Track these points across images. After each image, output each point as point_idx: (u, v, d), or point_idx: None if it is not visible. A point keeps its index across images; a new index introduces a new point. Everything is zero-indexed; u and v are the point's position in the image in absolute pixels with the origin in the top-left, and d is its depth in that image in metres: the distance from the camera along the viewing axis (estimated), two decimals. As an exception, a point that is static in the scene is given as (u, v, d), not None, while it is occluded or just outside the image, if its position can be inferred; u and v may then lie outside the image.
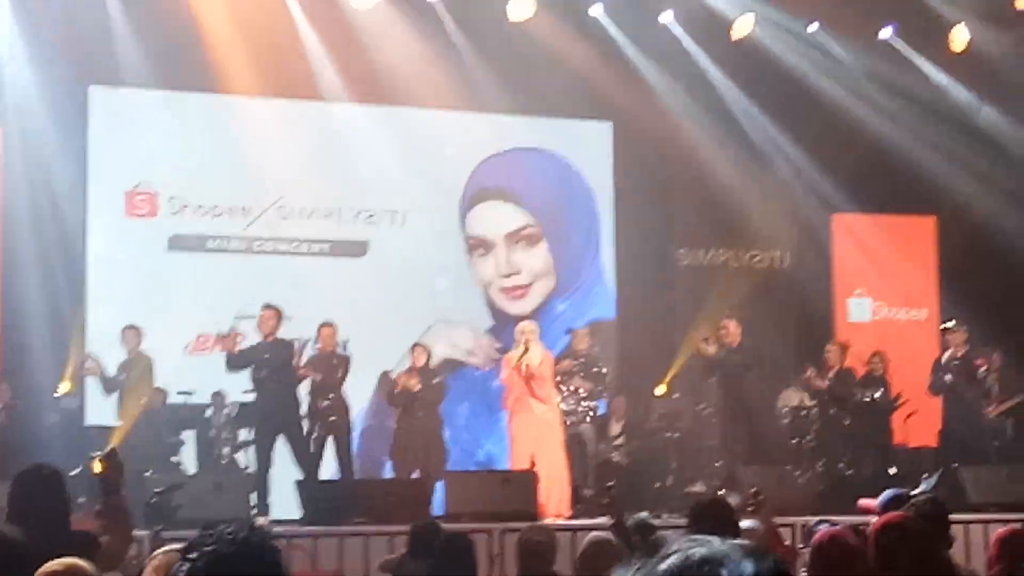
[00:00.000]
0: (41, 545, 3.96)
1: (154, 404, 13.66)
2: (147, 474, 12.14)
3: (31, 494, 5.83)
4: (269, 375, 13.15)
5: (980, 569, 8.30)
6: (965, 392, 14.92)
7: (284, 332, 13.48)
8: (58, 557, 4.39)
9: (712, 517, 6.32)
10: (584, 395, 14.49)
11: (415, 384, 13.88)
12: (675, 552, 1.92)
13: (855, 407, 14.65)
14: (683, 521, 8.48)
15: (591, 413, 14.66)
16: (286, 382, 13.19)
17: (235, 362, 13.36)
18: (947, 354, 15.09)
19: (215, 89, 15.60)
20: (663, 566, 1.91)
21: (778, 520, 11.07)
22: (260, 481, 12.88)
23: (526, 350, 13.35)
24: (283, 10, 15.53)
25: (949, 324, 15.38)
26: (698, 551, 1.91)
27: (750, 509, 9.22)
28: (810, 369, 14.85)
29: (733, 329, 14.72)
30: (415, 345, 14.48)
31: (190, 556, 2.60)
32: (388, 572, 9.20)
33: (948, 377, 14.90)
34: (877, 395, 14.63)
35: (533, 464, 12.90)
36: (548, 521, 11.73)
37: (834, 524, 7.39)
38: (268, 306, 13.43)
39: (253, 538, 2.66)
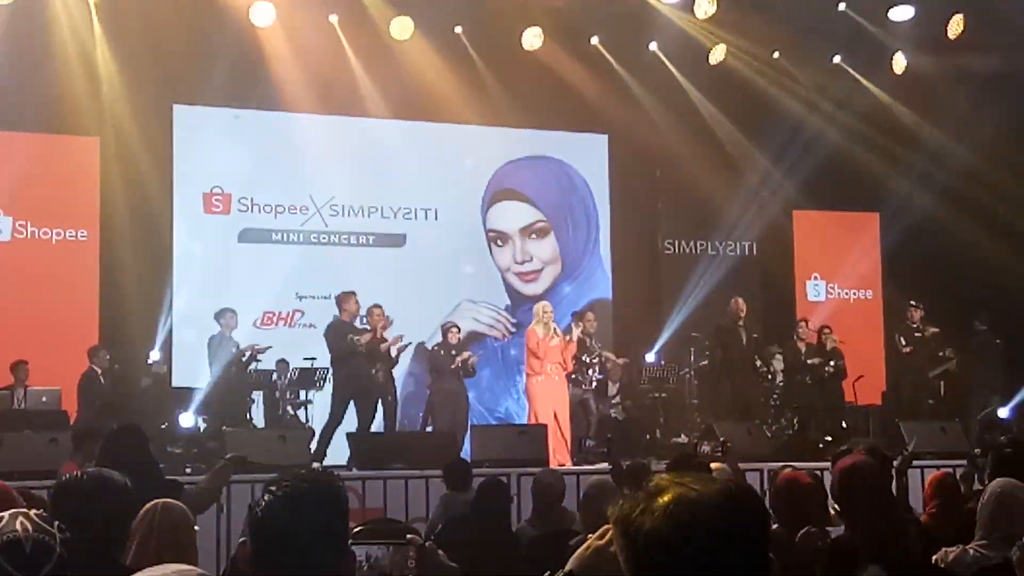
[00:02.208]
0: (134, 486, 3.99)
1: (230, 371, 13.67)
2: (224, 428, 12.19)
3: (117, 451, 5.84)
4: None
5: (918, 505, 8.35)
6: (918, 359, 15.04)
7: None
8: (146, 499, 4.44)
9: (687, 466, 6.41)
10: (587, 364, 14.54)
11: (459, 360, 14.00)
12: (671, 489, 1.93)
13: (813, 372, 14.70)
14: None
15: (594, 380, 14.70)
16: (368, 357, 13.18)
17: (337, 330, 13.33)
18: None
19: (276, 107, 15.59)
20: (661, 502, 1.92)
21: (747, 466, 11.17)
22: (323, 433, 12.92)
23: (556, 327, 13.44)
24: (334, 40, 15.50)
25: (913, 302, 15.47)
26: (689, 492, 1.92)
27: (719, 454, 9.34)
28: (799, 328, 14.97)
29: (742, 305, 14.74)
30: (451, 325, 14.49)
31: (272, 489, 2.64)
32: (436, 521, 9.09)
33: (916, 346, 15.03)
34: (833, 363, 14.65)
35: (556, 420, 12.91)
36: (557, 466, 11.80)
37: (796, 470, 7.45)
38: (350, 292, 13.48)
39: (323, 478, 2.72)
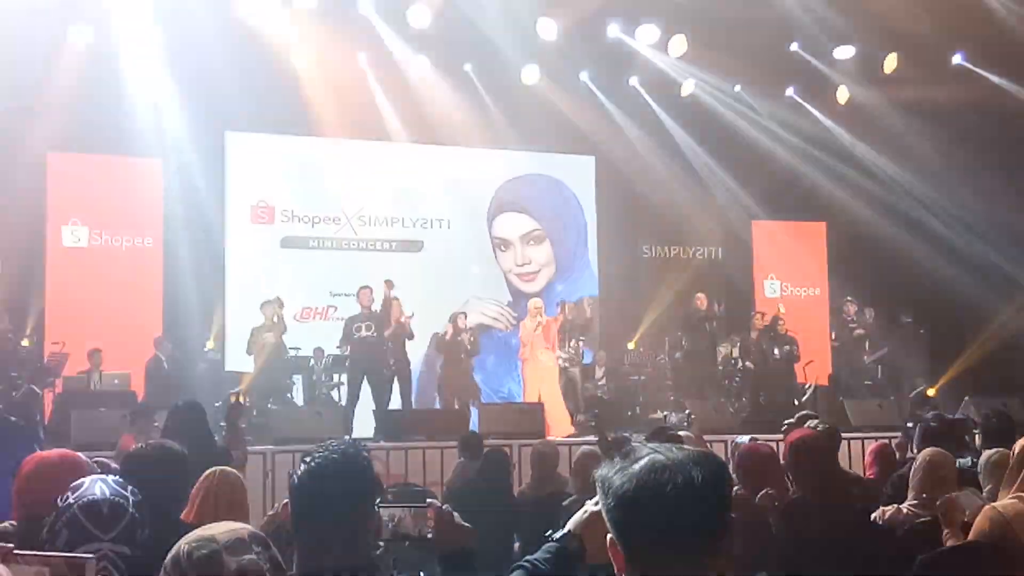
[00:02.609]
0: (192, 457, 4.00)
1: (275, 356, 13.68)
2: (269, 405, 12.20)
3: (181, 422, 5.85)
4: (366, 335, 13.15)
5: (859, 472, 8.35)
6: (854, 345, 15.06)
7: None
8: (207, 467, 4.45)
9: (661, 437, 6.40)
10: (573, 349, 14.54)
11: (466, 338, 14.00)
12: (646, 455, 1.92)
13: (769, 357, 14.68)
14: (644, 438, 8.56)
15: (579, 361, 14.72)
16: (375, 341, 13.19)
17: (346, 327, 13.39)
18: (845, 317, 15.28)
19: (312, 133, 15.57)
20: (636, 466, 1.90)
21: (713, 437, 11.17)
22: (347, 410, 12.96)
23: (541, 320, 13.46)
24: (362, 77, 15.52)
25: (848, 298, 15.48)
26: (660, 457, 1.91)
27: (685, 424, 9.38)
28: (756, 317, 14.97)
29: (704, 300, 14.70)
30: (456, 314, 14.50)
31: (306, 459, 2.63)
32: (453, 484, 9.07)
33: (852, 335, 15.06)
34: (786, 348, 14.65)
35: (540, 398, 12.93)
36: (552, 438, 11.79)
37: (755, 440, 7.44)
38: (366, 286, 13.50)
39: (352, 449, 2.71)
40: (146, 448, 3.80)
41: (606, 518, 1.95)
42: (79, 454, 4.00)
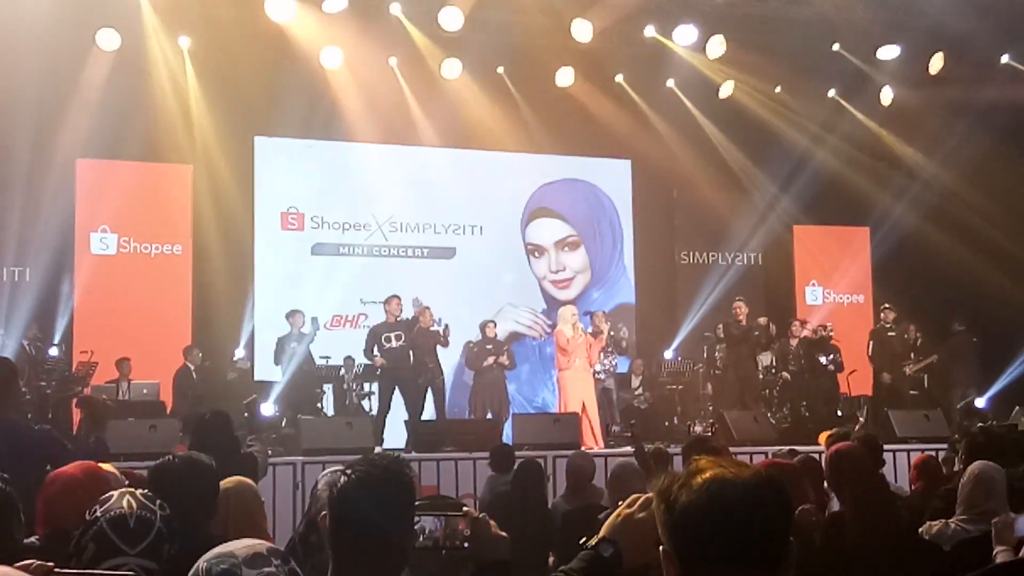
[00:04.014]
0: (219, 466, 4.02)
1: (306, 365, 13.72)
2: (299, 416, 12.24)
3: (208, 432, 5.88)
4: (396, 345, 13.17)
5: (904, 486, 8.29)
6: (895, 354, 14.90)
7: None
8: (231, 475, 4.47)
9: (701, 448, 6.38)
10: (610, 359, 14.49)
11: (506, 362, 14.07)
12: (710, 472, 1.92)
13: (813, 365, 14.56)
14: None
15: (614, 371, 14.66)
16: (404, 350, 13.20)
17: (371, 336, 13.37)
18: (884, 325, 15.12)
19: (343, 138, 15.63)
20: (700, 479, 1.91)
21: (752, 449, 11.12)
22: (379, 420, 12.98)
23: (579, 328, 13.41)
24: (393, 80, 15.56)
25: (886, 305, 15.33)
26: (726, 474, 1.91)
27: (709, 435, 9.36)
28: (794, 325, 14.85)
29: (744, 309, 14.62)
30: (489, 322, 14.50)
31: (348, 472, 2.65)
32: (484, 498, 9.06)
33: (891, 343, 14.89)
34: (830, 356, 14.51)
35: (584, 408, 12.87)
36: (587, 449, 11.76)
37: (795, 454, 7.39)
38: (395, 296, 13.49)
39: (394, 463, 2.72)
40: (175, 461, 3.83)
41: (663, 530, 1.95)
42: (104, 466, 4.05)
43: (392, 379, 13.07)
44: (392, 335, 13.11)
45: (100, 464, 4.11)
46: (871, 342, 15.24)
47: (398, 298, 13.40)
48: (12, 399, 4.87)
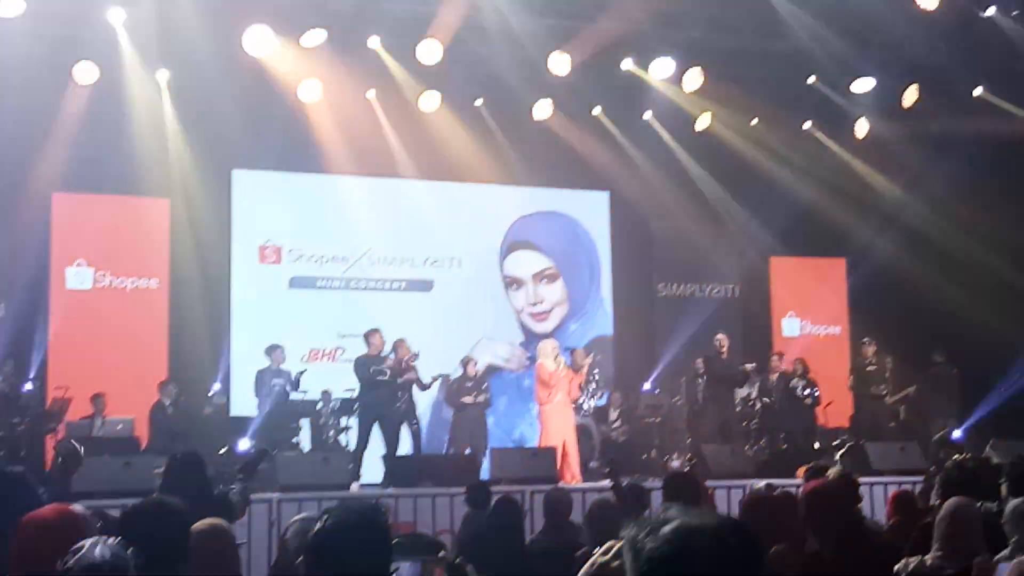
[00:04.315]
0: (191, 508, 3.99)
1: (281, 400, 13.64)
2: (274, 452, 12.15)
3: (180, 474, 5.83)
4: (380, 379, 13.09)
5: (881, 519, 8.29)
6: (874, 388, 14.92)
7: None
8: (203, 517, 4.43)
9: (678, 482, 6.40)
10: (589, 394, 14.53)
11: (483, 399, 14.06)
12: (676, 519, 1.93)
13: (791, 398, 14.60)
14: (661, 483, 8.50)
15: (593, 407, 14.68)
16: (389, 385, 13.13)
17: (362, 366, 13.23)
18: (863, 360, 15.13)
19: (321, 170, 15.60)
20: (668, 529, 1.92)
21: (730, 483, 11.13)
22: (353, 455, 12.87)
23: (562, 363, 13.41)
24: (371, 112, 15.58)
25: (865, 339, 15.36)
26: (693, 522, 1.93)
27: (686, 470, 9.36)
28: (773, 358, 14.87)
29: (725, 342, 14.62)
30: (469, 360, 14.49)
31: (324, 518, 2.69)
32: (461, 537, 9.00)
33: (871, 378, 14.91)
34: (807, 391, 14.56)
35: (565, 446, 12.84)
36: (564, 484, 11.73)
37: (772, 488, 7.39)
38: (376, 329, 13.35)
39: (370, 509, 2.74)
40: (145, 505, 3.81)
41: None
42: (78, 509, 4.01)
43: (374, 414, 12.99)
44: (379, 370, 13.03)
45: (73, 507, 4.07)
46: (852, 376, 15.27)
47: (380, 331, 13.35)
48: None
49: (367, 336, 13.29)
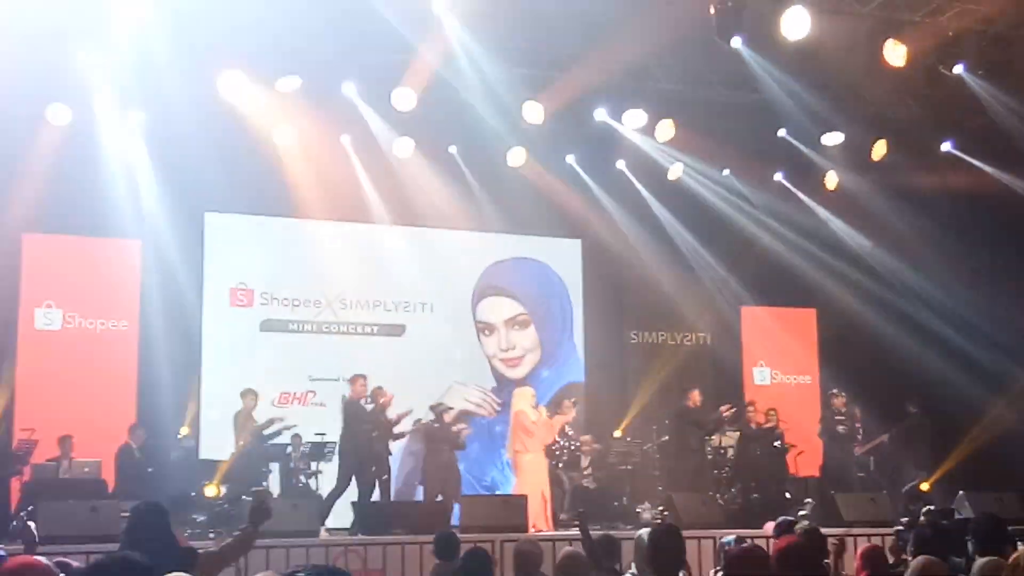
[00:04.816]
0: (154, 562, 3.90)
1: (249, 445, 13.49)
2: (244, 497, 12.03)
3: (144, 524, 5.71)
4: (367, 427, 12.99)
5: (851, 572, 8.24)
6: (844, 438, 14.91)
7: (345, 389, 13.38)
8: (167, 571, 4.33)
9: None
10: (566, 442, 14.49)
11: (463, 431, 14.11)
12: None
13: (760, 447, 14.58)
14: (633, 532, 8.43)
15: (565, 458, 14.61)
16: (373, 433, 13.03)
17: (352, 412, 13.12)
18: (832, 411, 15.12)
19: (295, 214, 15.57)
20: None
21: (699, 532, 11.05)
22: (327, 499, 12.75)
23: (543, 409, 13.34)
24: (345, 158, 15.62)
25: (835, 391, 15.37)
26: None
27: (658, 520, 9.30)
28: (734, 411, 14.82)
29: (697, 397, 14.56)
30: (446, 408, 14.40)
31: None
32: None
33: (841, 428, 14.88)
34: (777, 442, 14.56)
35: (544, 496, 12.74)
36: (535, 533, 11.65)
37: (741, 541, 7.35)
38: (360, 375, 13.27)
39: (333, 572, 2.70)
40: (108, 561, 3.72)
41: None
42: (44, 561, 3.92)
43: (357, 461, 12.84)
44: (368, 421, 12.92)
45: (38, 559, 3.98)
46: (821, 426, 15.26)
47: (363, 377, 13.23)
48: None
49: (351, 382, 13.23)
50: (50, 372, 14.15)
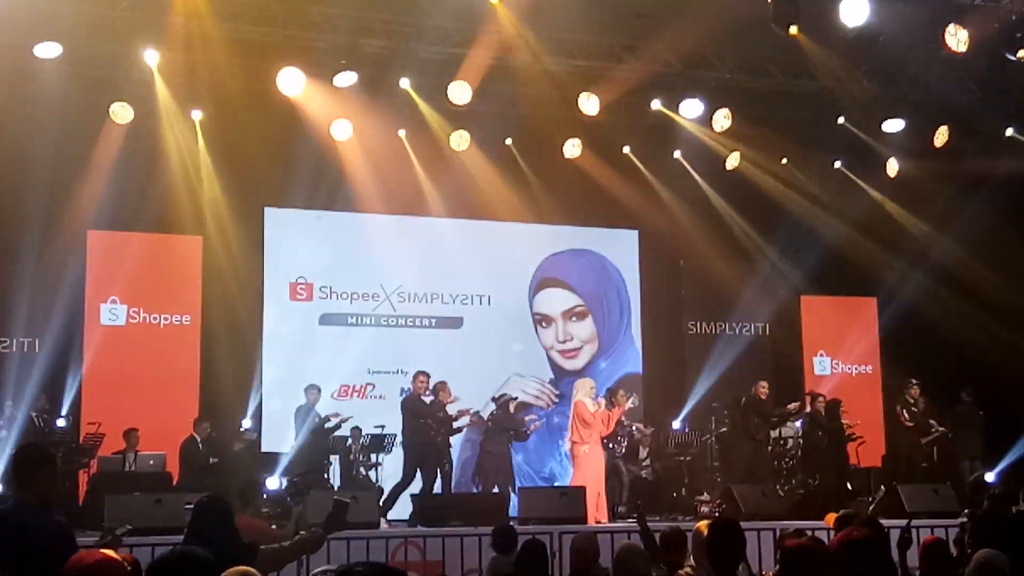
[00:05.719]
0: (218, 555, 3.94)
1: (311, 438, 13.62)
2: (309, 493, 12.10)
3: (206, 520, 5.75)
4: (431, 423, 13.07)
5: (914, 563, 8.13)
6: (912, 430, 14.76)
7: (404, 382, 13.46)
8: (230, 565, 4.38)
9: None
10: (624, 434, 14.45)
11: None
12: None
13: (823, 437, 14.41)
14: (692, 523, 8.38)
15: (623, 449, 14.57)
16: (436, 429, 13.10)
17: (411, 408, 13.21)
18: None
19: (352, 208, 15.68)
20: None
21: (760, 524, 10.93)
22: (392, 492, 12.85)
23: (602, 400, 13.34)
24: (402, 151, 15.67)
25: (913, 380, 15.18)
26: None
27: (716, 514, 9.20)
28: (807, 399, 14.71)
29: (765, 388, 14.50)
30: (510, 398, 14.47)
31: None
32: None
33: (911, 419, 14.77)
34: (840, 429, 14.38)
35: (601, 488, 12.73)
36: (594, 524, 11.63)
37: (801, 533, 7.25)
38: (422, 371, 13.38)
39: (391, 572, 2.72)
40: (171, 556, 3.77)
41: None
42: (115, 557, 3.98)
43: (423, 454, 12.91)
44: (430, 416, 13.00)
45: (111, 554, 4.03)
46: (903, 414, 15.03)
47: (425, 374, 13.30)
48: (37, 487, 4.77)
49: (414, 377, 13.34)
50: (115, 367, 14.41)
